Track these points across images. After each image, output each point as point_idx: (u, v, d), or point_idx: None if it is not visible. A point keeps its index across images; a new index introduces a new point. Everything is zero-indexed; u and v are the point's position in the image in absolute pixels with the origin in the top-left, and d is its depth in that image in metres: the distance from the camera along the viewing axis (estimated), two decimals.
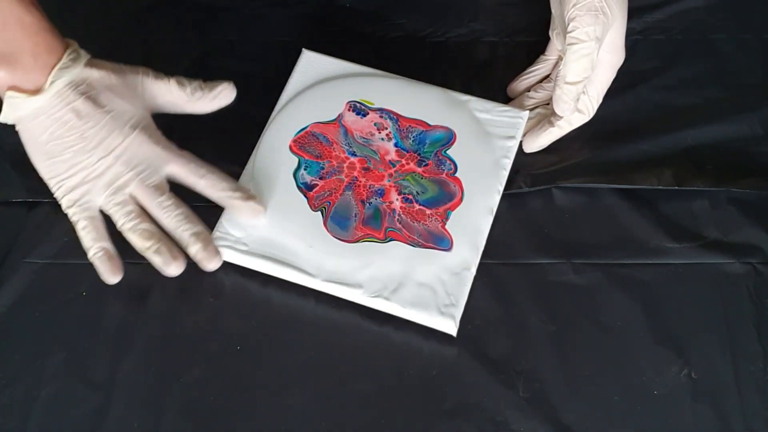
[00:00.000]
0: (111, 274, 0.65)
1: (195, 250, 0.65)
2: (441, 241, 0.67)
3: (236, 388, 0.64)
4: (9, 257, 0.69)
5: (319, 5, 0.81)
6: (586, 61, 0.68)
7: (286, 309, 0.67)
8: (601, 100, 0.72)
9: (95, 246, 0.65)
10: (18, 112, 0.64)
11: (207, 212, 0.70)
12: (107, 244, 0.65)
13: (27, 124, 0.64)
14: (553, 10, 0.73)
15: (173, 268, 0.65)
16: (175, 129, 0.75)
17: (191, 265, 0.69)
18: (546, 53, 0.76)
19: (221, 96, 0.68)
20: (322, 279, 0.66)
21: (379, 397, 0.64)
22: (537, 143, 0.73)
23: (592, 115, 0.72)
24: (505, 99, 0.76)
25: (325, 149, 0.71)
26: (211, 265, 0.66)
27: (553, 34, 0.74)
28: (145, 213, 0.65)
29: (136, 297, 0.68)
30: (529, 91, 0.75)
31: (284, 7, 0.81)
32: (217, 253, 0.66)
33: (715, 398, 0.64)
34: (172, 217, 0.65)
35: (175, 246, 0.65)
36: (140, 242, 0.64)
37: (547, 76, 0.76)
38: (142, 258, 0.69)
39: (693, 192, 0.71)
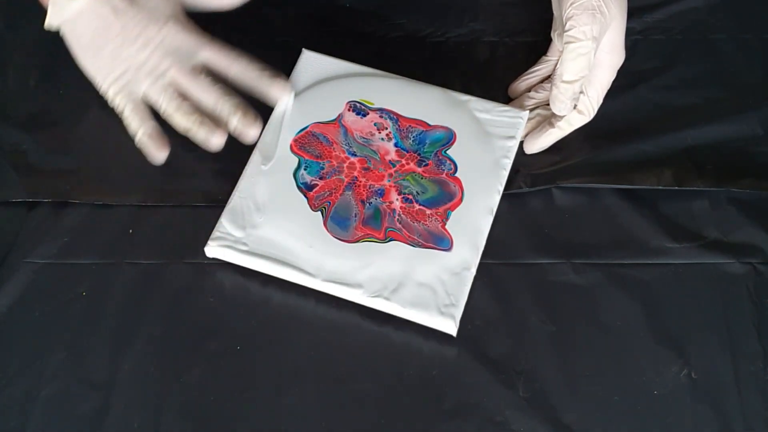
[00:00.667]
0: (158, 151, 0.69)
1: (236, 119, 0.68)
2: (441, 241, 0.67)
3: (236, 388, 0.64)
4: (9, 257, 0.69)
5: (319, 5, 0.81)
6: (583, 60, 0.68)
7: (286, 309, 0.67)
8: (601, 101, 0.72)
9: (142, 127, 0.69)
10: (63, 15, 0.69)
11: (207, 212, 0.70)
12: (153, 124, 0.69)
13: (71, 26, 0.70)
14: (554, 11, 0.73)
15: (216, 138, 0.68)
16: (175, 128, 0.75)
17: (191, 265, 0.69)
18: (548, 54, 0.76)
19: (247, 125, 0.70)
20: (322, 279, 0.66)
21: (379, 397, 0.64)
22: (538, 144, 0.73)
23: (592, 116, 0.72)
24: (505, 99, 0.76)
25: (325, 149, 0.71)
26: (252, 132, 0.69)
27: (555, 35, 0.74)
28: (184, 97, 0.69)
29: (136, 297, 0.68)
30: (530, 91, 0.75)
31: (284, 7, 0.81)
32: (257, 120, 0.69)
33: (715, 398, 0.64)
34: (212, 92, 0.69)
35: (213, 123, 0.68)
36: (184, 119, 0.68)
37: (549, 77, 0.76)
38: (142, 258, 0.69)
39: (693, 192, 0.71)
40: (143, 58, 0.69)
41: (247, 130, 0.69)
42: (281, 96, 0.71)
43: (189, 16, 0.72)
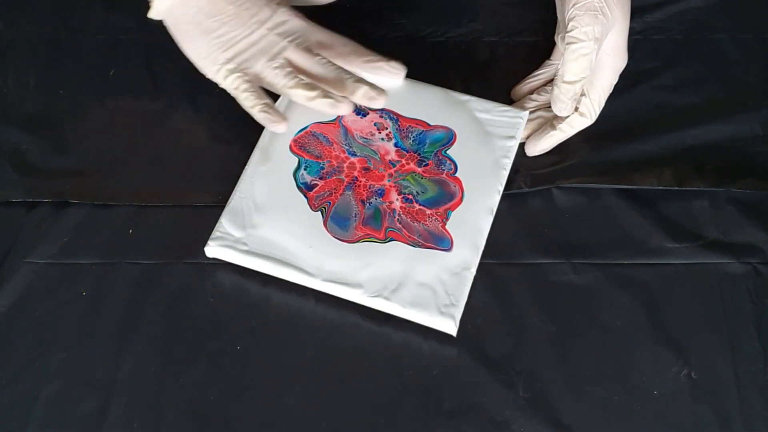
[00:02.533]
0: (277, 124, 0.70)
1: (363, 91, 0.70)
2: (441, 241, 0.67)
3: (236, 388, 0.64)
4: (9, 257, 0.69)
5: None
6: (584, 60, 0.68)
7: (286, 309, 0.67)
8: (603, 104, 0.72)
9: (259, 104, 0.70)
10: (168, 1, 0.69)
11: (207, 212, 0.70)
12: (269, 101, 0.70)
13: (178, 11, 0.70)
14: (558, 14, 0.73)
15: (344, 107, 0.69)
16: (175, 128, 0.75)
17: (191, 265, 0.69)
18: (551, 58, 0.76)
19: (375, 97, 0.71)
20: (322, 279, 0.66)
21: (379, 397, 0.64)
22: (539, 147, 0.73)
23: (594, 118, 0.72)
24: (505, 99, 0.76)
25: (325, 149, 0.71)
26: (381, 100, 0.70)
27: (558, 38, 0.74)
28: (302, 73, 0.70)
29: (136, 297, 0.68)
30: (532, 94, 0.75)
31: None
32: (383, 91, 0.70)
33: (715, 398, 0.64)
34: (333, 69, 0.70)
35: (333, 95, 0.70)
36: (306, 92, 0.69)
37: (552, 81, 0.76)
38: (142, 258, 0.69)
39: (693, 192, 0.71)
40: (257, 39, 0.70)
41: (375, 100, 0.70)
42: (397, 77, 0.72)
43: None
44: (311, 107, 0.70)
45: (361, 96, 0.70)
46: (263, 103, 0.70)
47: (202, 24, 0.70)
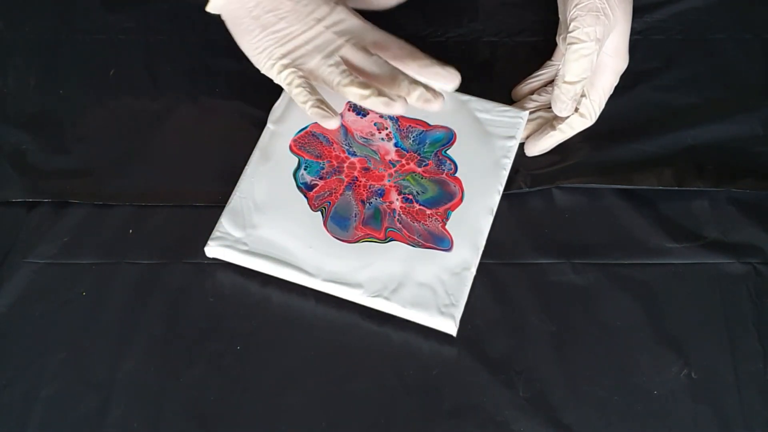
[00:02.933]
0: (329, 120, 0.69)
1: (418, 93, 0.68)
2: (441, 241, 0.67)
3: (236, 388, 0.64)
4: (9, 257, 0.69)
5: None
6: (585, 61, 0.68)
7: (286, 309, 0.67)
8: (603, 105, 0.72)
9: (312, 99, 0.69)
10: None
11: (207, 212, 0.70)
12: (321, 97, 0.70)
13: (235, 5, 0.70)
14: (560, 15, 0.73)
15: (398, 106, 0.68)
16: (175, 128, 0.75)
17: (191, 265, 0.69)
18: (552, 59, 0.76)
19: (430, 99, 0.69)
20: (322, 279, 0.66)
21: (378, 397, 0.64)
22: (538, 147, 0.73)
23: (594, 119, 0.72)
24: (505, 99, 0.76)
25: (325, 149, 0.71)
26: (437, 103, 0.69)
27: (560, 39, 0.74)
28: (359, 73, 0.70)
29: (136, 297, 0.68)
30: (533, 94, 0.75)
31: None
32: (440, 94, 0.69)
33: (715, 398, 0.64)
34: (389, 69, 0.69)
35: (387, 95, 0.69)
36: (360, 91, 0.68)
37: (552, 81, 0.76)
38: (142, 258, 0.69)
39: (693, 192, 0.71)
40: (314, 35, 0.70)
41: (433, 102, 0.69)
42: (452, 83, 0.71)
43: None
44: (366, 106, 0.69)
45: (417, 97, 0.69)
46: (316, 99, 0.69)
47: (259, 18, 0.70)
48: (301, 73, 0.70)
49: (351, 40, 0.70)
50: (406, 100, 0.68)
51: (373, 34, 0.72)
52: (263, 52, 0.70)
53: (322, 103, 0.69)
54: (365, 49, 0.70)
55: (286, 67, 0.70)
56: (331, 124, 0.70)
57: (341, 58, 0.70)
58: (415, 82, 0.69)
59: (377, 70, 0.70)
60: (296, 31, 0.70)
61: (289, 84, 0.70)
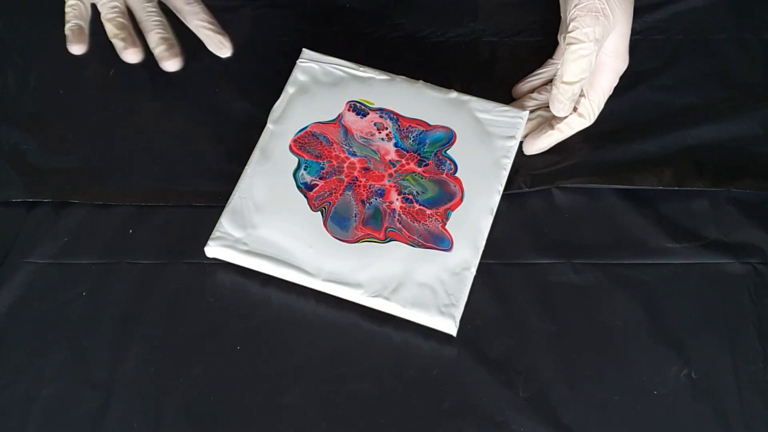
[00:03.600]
0: (75, 45, 0.74)
1: (159, 50, 0.74)
2: (441, 241, 0.67)
3: (236, 388, 0.64)
4: (9, 257, 0.69)
5: (319, 5, 0.81)
6: (584, 61, 0.68)
7: (286, 309, 0.67)
8: (602, 106, 0.72)
9: (73, 21, 0.74)
10: None
11: (207, 212, 0.70)
12: (83, 23, 0.74)
13: None
14: (561, 14, 0.73)
15: (128, 53, 0.73)
16: (174, 128, 0.75)
17: (191, 265, 0.69)
18: (553, 57, 0.76)
19: (165, 58, 0.74)
20: (322, 279, 0.66)
21: (379, 397, 0.64)
22: (537, 146, 0.73)
23: (593, 120, 0.72)
24: (505, 99, 0.76)
25: (325, 149, 0.71)
26: (168, 64, 0.74)
27: (561, 37, 0.74)
28: (128, 13, 0.75)
29: (136, 297, 0.68)
30: (533, 93, 0.75)
31: (284, 7, 0.81)
32: (177, 56, 0.74)
33: (715, 398, 0.64)
34: (151, 21, 0.74)
35: (140, 41, 0.74)
36: (111, 30, 0.74)
37: (552, 80, 0.76)
38: (142, 258, 0.69)
39: (693, 192, 0.71)
40: None
41: (164, 61, 0.74)
42: (219, 51, 0.75)
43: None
44: (114, 45, 0.74)
45: (157, 54, 0.74)
46: (73, 22, 0.74)
47: None
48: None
49: None
50: (140, 51, 0.73)
51: None
52: None
53: (78, 27, 0.73)
54: None
55: None
56: (73, 49, 0.74)
57: None
58: (164, 39, 0.73)
59: (143, 18, 0.75)
60: None
61: (66, 3, 0.74)
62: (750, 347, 0.65)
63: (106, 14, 0.74)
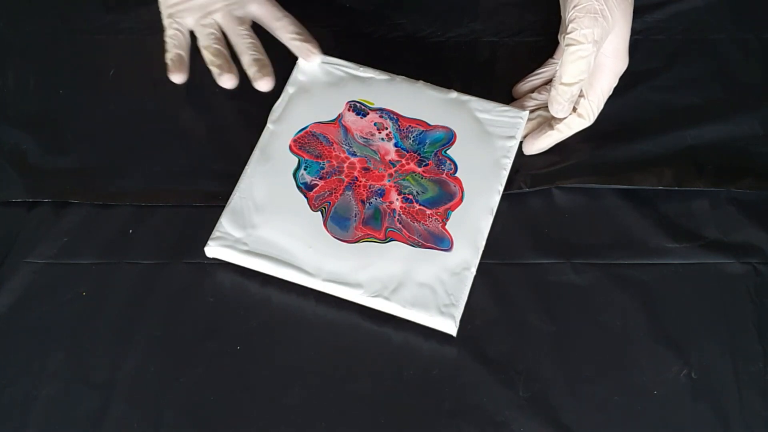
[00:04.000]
0: (177, 74, 0.74)
1: (252, 71, 0.74)
2: (441, 241, 0.67)
3: (236, 388, 0.64)
4: (9, 257, 0.69)
5: (319, 5, 0.81)
6: (582, 63, 0.68)
7: (286, 309, 0.67)
8: (602, 106, 0.72)
9: (173, 51, 0.75)
10: None
11: (207, 212, 0.70)
12: (183, 52, 0.75)
13: None
14: (562, 14, 0.73)
15: (225, 79, 0.74)
16: (175, 128, 0.75)
17: (191, 265, 0.69)
18: (554, 56, 0.76)
19: (258, 78, 0.74)
20: (322, 279, 0.66)
21: (379, 397, 0.64)
22: (536, 146, 0.72)
23: (592, 120, 0.72)
24: (505, 99, 0.76)
25: (325, 149, 0.71)
26: (261, 83, 0.74)
27: (561, 37, 0.74)
28: (224, 39, 0.75)
29: (136, 297, 0.68)
30: (533, 92, 0.75)
31: (284, 7, 0.81)
32: (270, 75, 0.74)
33: (715, 398, 0.64)
34: (245, 44, 0.75)
35: (234, 68, 0.74)
36: (209, 57, 0.74)
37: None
38: (142, 258, 0.69)
39: (693, 192, 0.71)
40: None
41: (257, 81, 0.74)
42: (310, 58, 0.75)
43: None
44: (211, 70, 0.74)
45: (251, 75, 0.74)
46: (174, 52, 0.74)
47: None
48: (177, 26, 0.75)
49: (230, 7, 0.75)
50: (235, 77, 0.73)
51: (255, 4, 0.76)
52: (164, 2, 0.76)
53: (178, 57, 0.74)
54: (239, 19, 0.75)
55: (169, 16, 0.75)
56: (173, 78, 0.74)
57: (215, 21, 0.75)
58: (257, 60, 0.74)
59: (237, 41, 0.75)
60: None
61: (166, 31, 0.75)
62: (750, 347, 0.65)
63: (202, 41, 0.75)
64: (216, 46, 0.75)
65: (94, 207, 0.71)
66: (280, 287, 0.68)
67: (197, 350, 0.66)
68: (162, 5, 0.76)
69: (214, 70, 0.74)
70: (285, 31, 0.76)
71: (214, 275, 0.69)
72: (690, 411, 0.63)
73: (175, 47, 0.75)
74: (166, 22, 0.75)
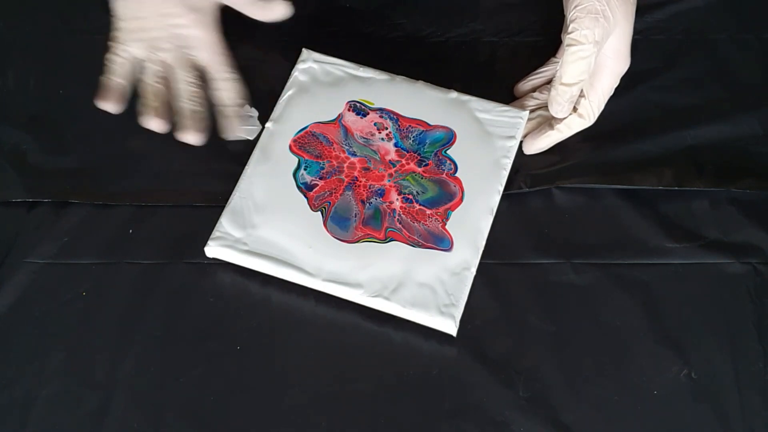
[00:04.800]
0: (103, 99, 0.72)
1: (185, 121, 0.71)
2: (441, 241, 0.67)
3: (236, 388, 0.64)
4: (9, 257, 0.69)
5: (319, 5, 0.81)
6: (582, 63, 0.68)
7: (286, 309, 0.67)
8: (602, 107, 0.72)
9: (112, 77, 0.72)
10: None
11: (207, 212, 0.70)
12: (121, 81, 0.72)
13: None
14: (565, 13, 0.73)
15: (153, 123, 0.71)
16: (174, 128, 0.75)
17: (191, 265, 0.69)
18: (556, 56, 0.76)
19: (275, 9, 0.73)
20: (322, 279, 0.66)
21: (379, 397, 0.64)
22: (536, 146, 0.73)
23: (593, 120, 0.72)
24: (506, 99, 0.76)
25: (325, 149, 0.71)
26: (186, 136, 0.71)
27: (564, 36, 0.74)
28: (167, 81, 0.73)
29: (136, 297, 0.68)
30: (534, 92, 0.75)
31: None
32: (199, 132, 0.71)
33: (715, 398, 0.64)
34: (187, 92, 0.72)
35: (169, 113, 0.72)
36: (144, 96, 0.72)
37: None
38: (142, 258, 0.69)
39: (693, 192, 0.71)
40: (154, 28, 0.72)
41: (185, 133, 0.71)
42: (239, 135, 0.73)
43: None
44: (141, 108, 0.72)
45: (182, 126, 0.71)
46: (110, 79, 0.72)
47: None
48: (125, 54, 0.72)
49: (179, 49, 0.72)
50: (164, 124, 0.71)
51: (207, 52, 0.72)
52: (119, 20, 0.73)
53: (114, 84, 0.72)
54: (186, 64, 0.72)
55: (121, 41, 0.72)
56: (100, 102, 0.72)
57: (163, 59, 0.72)
58: (193, 113, 0.71)
59: (180, 87, 0.72)
60: (148, 16, 0.73)
61: (110, 56, 0.73)
62: (750, 347, 0.65)
63: (145, 78, 0.73)
64: (157, 86, 0.72)
65: (94, 207, 0.71)
66: (280, 287, 0.68)
67: (197, 350, 0.66)
68: (118, 28, 0.73)
69: (146, 110, 0.72)
70: (222, 96, 0.72)
71: (214, 275, 0.69)
72: (690, 411, 0.63)
73: (114, 74, 0.72)
74: (116, 46, 0.73)
